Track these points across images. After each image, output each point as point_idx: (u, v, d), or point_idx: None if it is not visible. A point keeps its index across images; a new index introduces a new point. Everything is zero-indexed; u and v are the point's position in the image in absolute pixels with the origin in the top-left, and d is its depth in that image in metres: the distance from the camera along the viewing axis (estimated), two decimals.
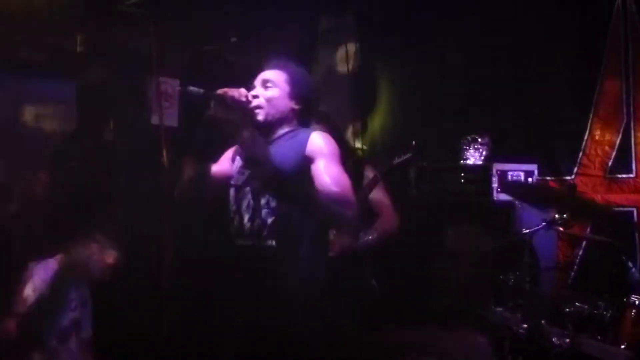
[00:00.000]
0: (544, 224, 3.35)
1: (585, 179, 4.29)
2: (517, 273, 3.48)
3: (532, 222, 3.55)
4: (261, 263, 2.59)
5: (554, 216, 3.34)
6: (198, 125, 2.65)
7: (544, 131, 4.42)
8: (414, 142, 3.67)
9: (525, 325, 3.26)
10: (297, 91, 2.80)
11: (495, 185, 4.09)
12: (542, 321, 3.25)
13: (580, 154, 4.31)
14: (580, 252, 4.25)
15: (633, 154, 4.11)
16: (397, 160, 3.72)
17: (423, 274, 4.19)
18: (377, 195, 3.89)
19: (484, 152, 4.27)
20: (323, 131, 2.80)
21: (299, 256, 2.60)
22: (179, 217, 3.92)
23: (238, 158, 2.86)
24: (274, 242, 2.65)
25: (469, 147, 4.28)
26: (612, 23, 4.17)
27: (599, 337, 3.11)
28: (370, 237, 3.79)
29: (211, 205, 2.88)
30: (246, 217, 2.73)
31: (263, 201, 2.68)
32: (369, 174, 3.91)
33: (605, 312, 3.14)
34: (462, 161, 4.30)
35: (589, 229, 4.18)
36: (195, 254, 4.20)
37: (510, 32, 4.47)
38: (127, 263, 3.53)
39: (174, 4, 4.54)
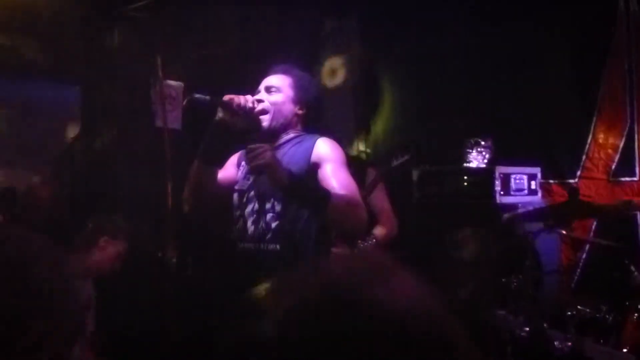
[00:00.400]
0: (544, 226, 3.35)
1: (589, 183, 4.29)
2: (520, 276, 3.48)
3: (535, 225, 3.55)
4: (264, 266, 2.60)
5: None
6: (204, 131, 2.67)
7: (547, 134, 4.42)
8: (411, 145, 3.69)
9: (528, 329, 3.26)
10: (302, 96, 2.82)
11: (498, 188, 4.09)
12: (545, 324, 3.25)
13: (584, 157, 4.30)
14: (584, 256, 4.24)
15: (636, 157, 4.11)
16: (395, 163, 3.76)
17: (425, 277, 4.18)
18: (377, 199, 3.90)
19: (486, 155, 4.27)
20: (329, 138, 2.82)
21: (302, 260, 2.62)
22: (182, 220, 3.93)
23: (243, 163, 2.87)
24: (277, 246, 2.67)
25: (472, 150, 4.28)
26: (615, 25, 4.16)
27: (601, 341, 3.11)
28: (368, 245, 3.79)
29: (216, 209, 2.89)
30: (250, 221, 2.74)
31: (268, 205, 2.70)
32: (372, 176, 3.92)
33: (607, 316, 3.14)
34: (465, 164, 4.30)
35: (592, 233, 4.19)
36: (197, 256, 4.21)
37: (512, 35, 4.47)
38: (129, 266, 3.54)
39: (178, 8, 4.56)
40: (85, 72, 4.40)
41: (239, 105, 2.63)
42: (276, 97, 2.77)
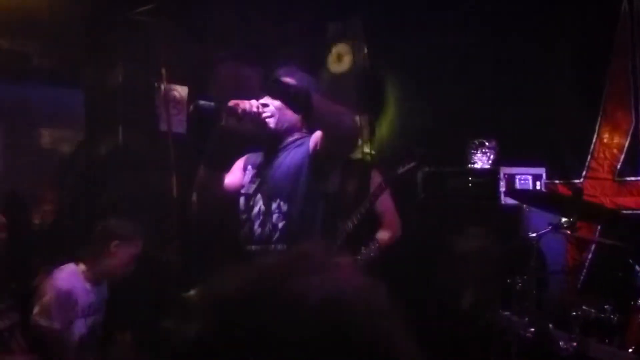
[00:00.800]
0: (550, 227, 3.34)
1: (594, 183, 4.27)
2: (524, 277, 3.47)
3: (540, 225, 3.54)
4: None
5: (561, 219, 3.33)
6: (209, 137, 2.69)
7: (552, 135, 4.40)
8: (417, 152, 3.70)
9: (532, 329, 3.25)
10: (303, 100, 2.83)
11: (502, 189, 4.08)
12: (550, 325, 3.24)
13: (589, 157, 4.29)
14: (590, 256, 4.22)
15: None
16: (401, 170, 3.76)
17: (430, 278, 4.19)
18: (381, 201, 3.90)
19: (491, 156, 4.26)
20: None
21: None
22: (188, 223, 3.95)
23: (249, 167, 2.90)
24: (285, 246, 2.68)
25: (477, 151, 4.27)
26: (618, 25, 4.15)
27: (606, 341, 3.09)
28: (371, 253, 3.80)
29: (223, 213, 2.90)
30: (257, 223, 2.76)
31: (274, 205, 2.72)
32: (376, 178, 3.93)
33: (612, 316, 3.13)
34: (469, 165, 4.29)
35: (597, 233, 4.17)
36: (203, 259, 4.22)
37: (517, 35, 4.46)
38: (135, 269, 3.56)
39: (181, 12, 4.58)
40: (88, 76, 4.42)
41: (244, 110, 2.64)
42: (281, 102, 2.79)
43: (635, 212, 4.10)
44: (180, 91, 4.58)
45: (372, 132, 5.46)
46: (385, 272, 4.10)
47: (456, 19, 4.76)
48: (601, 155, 4.25)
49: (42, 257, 3.89)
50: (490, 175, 4.17)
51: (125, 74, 4.44)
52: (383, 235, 3.87)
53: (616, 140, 4.19)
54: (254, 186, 2.82)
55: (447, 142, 4.62)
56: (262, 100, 2.75)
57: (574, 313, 3.18)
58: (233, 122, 2.62)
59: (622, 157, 4.16)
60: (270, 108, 2.76)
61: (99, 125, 4.47)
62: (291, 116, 2.81)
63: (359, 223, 3.76)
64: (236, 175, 2.92)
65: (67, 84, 4.51)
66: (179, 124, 4.41)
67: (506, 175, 4.11)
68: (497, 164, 4.24)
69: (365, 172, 4.07)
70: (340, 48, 5.59)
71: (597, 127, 4.25)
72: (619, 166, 4.17)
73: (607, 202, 4.18)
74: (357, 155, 5.21)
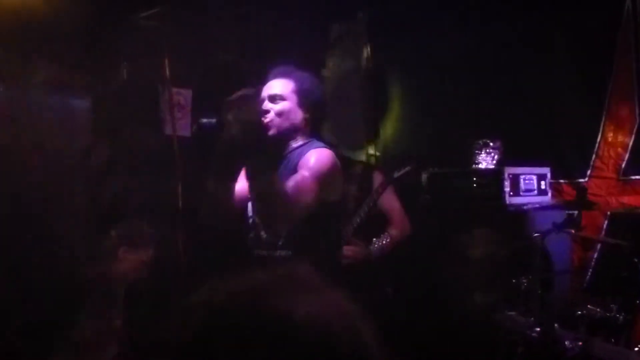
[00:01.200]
0: (554, 227, 3.35)
1: (599, 182, 4.27)
2: (530, 277, 3.48)
3: (545, 225, 3.54)
4: None
5: (564, 219, 3.34)
6: (215, 150, 2.68)
7: (556, 134, 4.41)
8: (413, 157, 3.73)
9: (538, 329, 3.26)
10: (306, 99, 2.81)
11: (507, 189, 4.08)
12: (555, 325, 3.24)
13: (593, 156, 4.28)
14: (595, 255, 4.22)
15: None
16: (396, 174, 3.81)
17: (436, 279, 4.20)
18: (387, 201, 3.93)
19: (495, 156, 4.26)
20: (329, 148, 2.80)
21: (313, 265, 2.63)
22: (194, 227, 3.96)
23: None
24: (289, 252, 2.69)
25: (481, 151, 4.27)
26: (621, 24, 4.15)
27: (612, 340, 3.10)
28: (383, 243, 3.83)
29: (234, 220, 2.91)
30: (263, 229, 2.78)
31: None
32: (378, 180, 3.95)
33: (618, 315, 3.13)
34: (473, 166, 4.29)
35: (603, 232, 4.17)
36: (212, 263, 4.23)
37: (520, 35, 4.47)
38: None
39: (185, 16, 4.59)
40: (94, 82, 4.44)
41: (246, 120, 2.63)
42: (282, 106, 2.77)
43: None
44: (185, 95, 4.59)
45: (376, 134, 5.48)
46: (391, 274, 4.14)
47: (460, 18, 4.76)
48: (606, 154, 4.24)
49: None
50: (495, 176, 4.16)
51: (130, 79, 4.45)
52: (394, 231, 3.91)
53: (620, 139, 4.18)
54: None
55: (451, 142, 4.63)
56: (263, 107, 2.75)
57: (580, 312, 3.19)
58: (236, 132, 2.60)
59: (627, 155, 4.15)
60: (271, 115, 2.75)
61: (105, 130, 4.48)
62: (294, 119, 2.80)
63: (361, 224, 3.78)
64: (244, 182, 2.93)
65: (73, 90, 4.52)
66: (183, 128, 4.42)
67: (511, 176, 4.11)
68: (501, 164, 4.24)
69: (368, 175, 4.09)
70: (343, 49, 5.61)
71: (601, 126, 4.25)
72: (623, 165, 4.17)
73: (612, 201, 4.18)
74: (361, 157, 5.23)
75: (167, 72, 4.34)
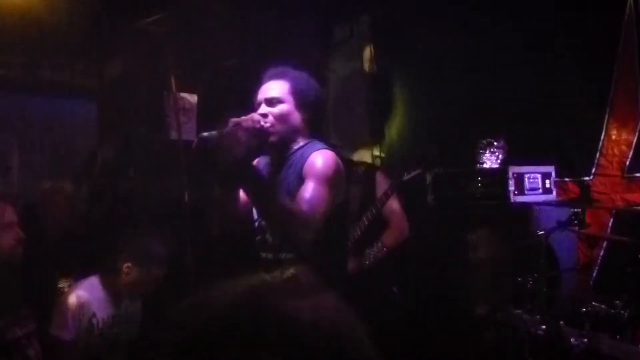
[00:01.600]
0: (558, 225, 3.35)
1: (604, 179, 4.26)
2: (535, 275, 3.49)
3: (550, 224, 3.55)
4: None
5: (569, 217, 3.34)
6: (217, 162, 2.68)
7: (560, 133, 4.40)
8: (423, 159, 3.73)
9: (544, 327, 3.27)
10: (304, 100, 2.77)
11: (512, 188, 4.08)
12: (561, 322, 3.25)
13: (598, 154, 4.28)
14: (601, 253, 4.22)
15: None
16: (406, 177, 3.81)
17: (442, 278, 4.21)
18: (389, 206, 3.94)
19: (500, 156, 4.26)
20: (330, 149, 2.78)
21: (316, 266, 2.64)
22: (201, 231, 3.98)
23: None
24: (292, 255, 2.70)
25: (485, 150, 4.27)
26: (624, 22, 4.15)
27: (617, 337, 3.10)
28: (377, 254, 3.83)
29: (240, 225, 2.91)
30: (269, 232, 2.80)
31: None
32: (381, 181, 3.96)
33: (623, 312, 3.13)
34: (478, 165, 4.30)
35: (609, 229, 4.17)
36: (219, 265, 4.26)
37: (522, 34, 4.47)
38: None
39: (190, 21, 4.63)
40: (101, 87, 4.49)
41: (246, 129, 2.61)
42: (280, 109, 2.73)
43: None
44: (190, 99, 4.63)
45: (381, 135, 5.49)
46: (398, 274, 4.15)
47: (462, 18, 4.77)
48: (610, 152, 4.24)
49: (59, 266, 3.94)
50: (499, 175, 4.16)
51: (135, 84, 4.49)
52: (388, 236, 3.92)
53: (624, 136, 4.18)
54: None
55: (456, 142, 4.64)
56: (260, 111, 2.74)
57: (585, 309, 3.19)
58: (237, 140, 2.58)
59: (631, 153, 4.15)
60: (269, 118, 2.74)
61: (111, 134, 4.52)
62: (293, 122, 2.78)
63: (366, 229, 3.80)
64: None
65: (80, 94, 4.57)
66: (189, 132, 4.46)
67: (515, 174, 4.11)
68: (505, 163, 4.24)
69: (370, 176, 4.10)
70: (347, 50, 5.63)
71: (605, 124, 4.24)
72: (627, 162, 4.17)
73: (617, 198, 4.18)
74: (366, 158, 5.25)
75: (172, 77, 4.38)
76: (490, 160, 4.29)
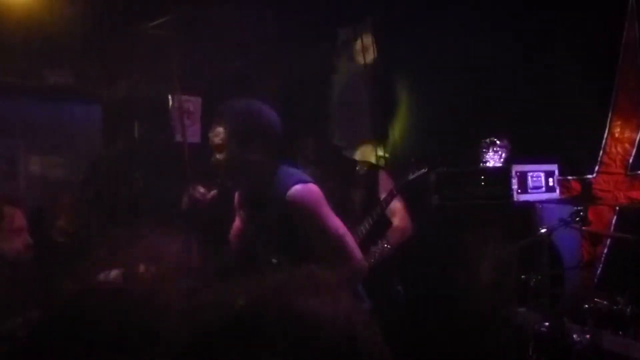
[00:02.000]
0: (560, 223, 3.36)
1: (607, 177, 4.27)
2: (539, 273, 3.49)
3: (553, 222, 3.56)
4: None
5: (571, 214, 3.35)
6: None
7: (563, 131, 4.41)
8: (427, 158, 3.74)
9: (547, 324, 3.28)
10: (245, 132, 2.67)
11: (515, 187, 4.10)
12: (564, 319, 3.26)
13: (601, 152, 4.29)
14: (605, 250, 4.22)
15: None
16: (411, 176, 3.81)
17: (446, 277, 4.22)
18: (394, 204, 3.95)
19: (503, 155, 4.28)
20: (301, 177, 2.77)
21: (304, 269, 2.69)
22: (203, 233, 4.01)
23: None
24: (283, 258, 2.78)
25: (488, 150, 4.29)
26: (626, 19, 4.15)
27: (620, 333, 3.10)
28: (381, 250, 3.84)
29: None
30: (266, 236, 2.87)
31: None
32: (384, 181, 3.97)
33: (625, 308, 3.14)
34: (481, 164, 4.31)
35: (612, 227, 4.17)
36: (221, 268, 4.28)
37: (525, 33, 4.48)
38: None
39: (194, 24, 4.65)
40: (106, 90, 4.52)
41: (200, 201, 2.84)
42: (227, 154, 2.68)
43: None
44: (194, 102, 4.66)
45: (385, 135, 5.51)
46: (403, 273, 4.16)
47: (464, 18, 4.79)
48: (613, 150, 4.24)
49: (65, 272, 3.96)
50: (502, 174, 4.17)
51: (140, 87, 4.52)
52: (392, 235, 3.92)
53: (627, 134, 4.18)
54: None
55: (459, 141, 4.65)
56: (213, 158, 2.73)
57: (587, 306, 3.20)
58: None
59: (634, 151, 4.15)
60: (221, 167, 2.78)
61: (117, 138, 4.56)
62: (247, 161, 2.73)
63: (371, 228, 3.81)
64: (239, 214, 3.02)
65: (85, 99, 4.60)
66: (193, 134, 4.49)
67: (518, 173, 4.13)
68: (508, 162, 4.26)
69: (374, 176, 4.11)
70: (350, 51, 5.65)
71: (608, 122, 4.25)
72: (630, 160, 4.17)
73: (620, 196, 4.19)
74: (371, 158, 5.26)
75: (177, 81, 4.41)
76: (493, 159, 4.30)
